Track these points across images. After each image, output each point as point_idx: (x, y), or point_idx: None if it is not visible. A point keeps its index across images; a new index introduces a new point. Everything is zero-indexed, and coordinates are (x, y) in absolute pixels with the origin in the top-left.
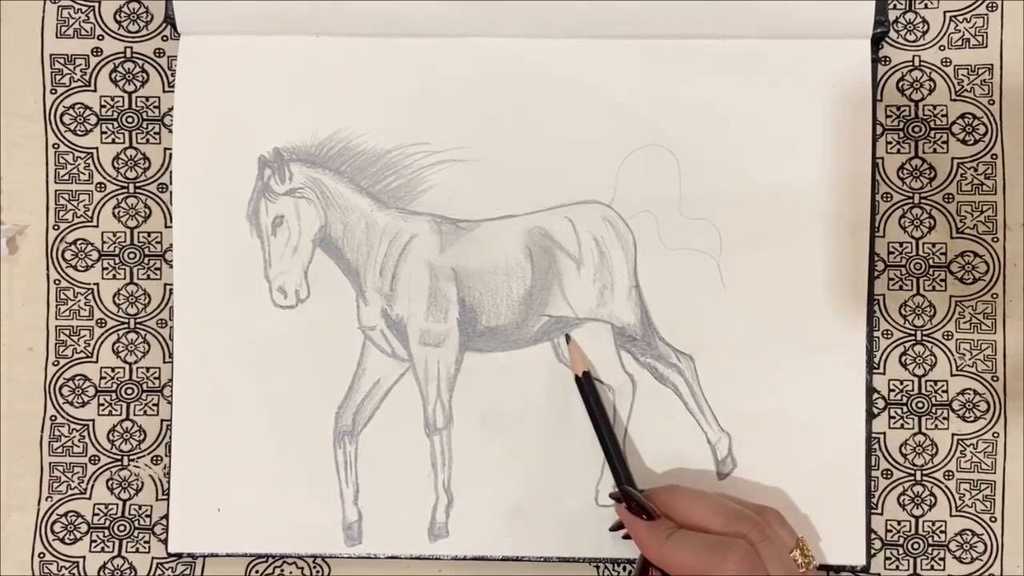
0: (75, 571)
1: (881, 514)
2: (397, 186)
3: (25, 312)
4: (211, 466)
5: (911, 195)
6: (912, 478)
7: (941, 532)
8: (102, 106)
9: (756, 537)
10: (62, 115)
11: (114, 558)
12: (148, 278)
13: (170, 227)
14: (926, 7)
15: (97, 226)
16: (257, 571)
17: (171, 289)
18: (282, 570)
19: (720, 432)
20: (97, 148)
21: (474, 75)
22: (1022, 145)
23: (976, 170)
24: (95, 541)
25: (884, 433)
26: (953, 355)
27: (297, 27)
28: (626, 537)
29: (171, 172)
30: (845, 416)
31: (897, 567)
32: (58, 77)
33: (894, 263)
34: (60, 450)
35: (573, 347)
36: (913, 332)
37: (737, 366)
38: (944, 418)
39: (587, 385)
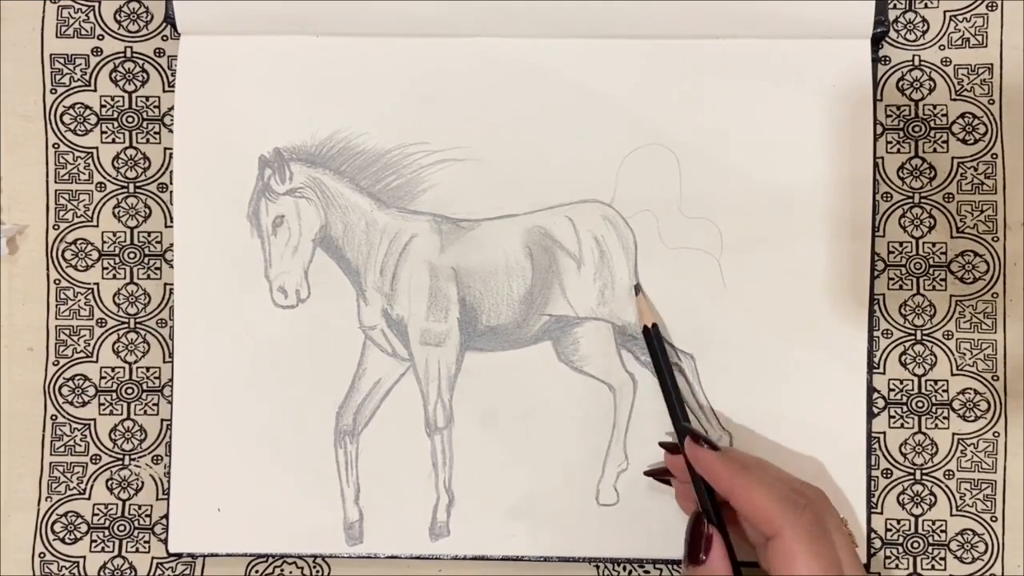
0: (75, 571)
1: (881, 513)
2: (397, 186)
3: (25, 312)
4: (211, 466)
5: (911, 195)
6: (912, 477)
7: (941, 532)
8: (102, 106)
9: (823, 506)
10: (62, 115)
11: (114, 558)
12: (148, 278)
13: (170, 227)
14: (926, 7)
15: (97, 226)
16: (257, 571)
17: (171, 289)
18: (282, 570)
19: (721, 431)
20: (97, 148)
21: (474, 75)
22: (1022, 145)
23: (976, 170)
24: (95, 541)
25: (884, 432)
26: (953, 355)
27: (297, 27)
28: (662, 479)
29: (171, 172)
30: (845, 415)
31: (897, 566)
32: (58, 77)
33: (894, 263)
34: (61, 449)
35: (642, 299)
36: (913, 332)
37: (737, 365)
38: (944, 418)
39: (655, 336)
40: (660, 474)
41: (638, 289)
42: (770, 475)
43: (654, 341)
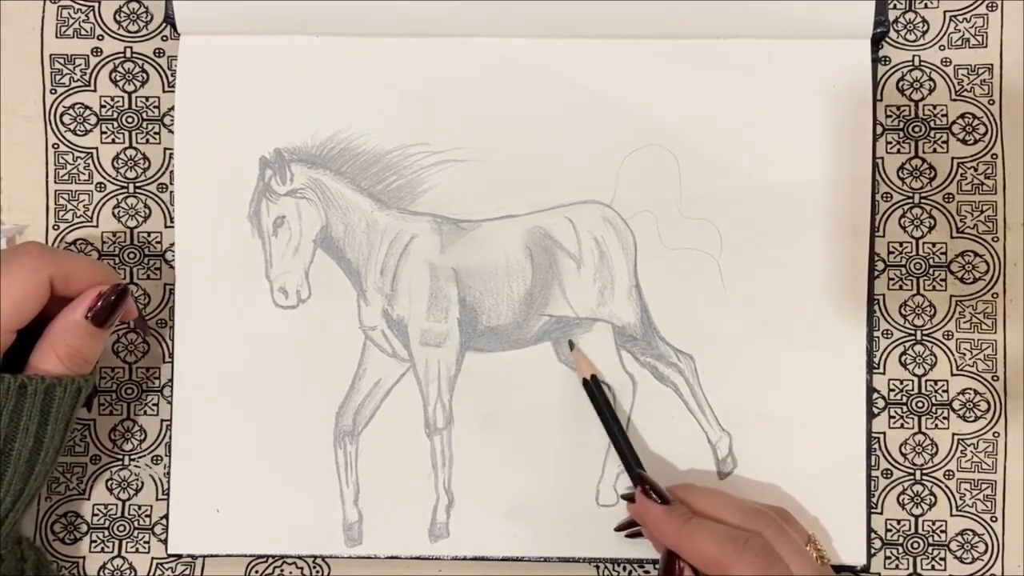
0: (75, 571)
1: (881, 513)
2: (398, 186)
3: None
4: (211, 466)
5: (911, 195)
6: (912, 478)
7: (941, 532)
8: (102, 106)
9: (773, 533)
10: (62, 115)
11: (114, 558)
12: (148, 278)
13: (170, 227)
14: (926, 7)
15: (97, 226)
16: (257, 571)
17: (171, 289)
18: (282, 570)
19: (720, 432)
20: (97, 148)
21: (474, 75)
22: (1022, 145)
23: (976, 170)
24: (95, 541)
25: (884, 433)
26: (953, 355)
27: (297, 27)
28: (632, 536)
29: (171, 172)
30: (845, 416)
31: (897, 567)
32: (58, 77)
33: (894, 263)
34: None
35: (577, 353)
36: (913, 332)
37: (737, 366)
38: (944, 418)
39: (595, 387)
40: (630, 525)
41: (572, 344)
42: (719, 515)
43: (595, 392)
